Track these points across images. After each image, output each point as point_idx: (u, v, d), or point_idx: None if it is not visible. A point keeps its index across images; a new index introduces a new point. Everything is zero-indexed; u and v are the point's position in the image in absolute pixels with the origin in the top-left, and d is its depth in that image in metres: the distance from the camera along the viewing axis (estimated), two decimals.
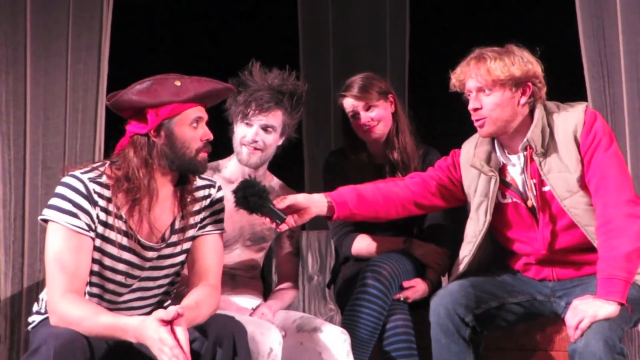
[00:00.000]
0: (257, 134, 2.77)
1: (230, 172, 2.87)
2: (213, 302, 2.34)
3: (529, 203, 2.58)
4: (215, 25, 4.45)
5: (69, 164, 3.16)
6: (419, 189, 2.73)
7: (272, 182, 2.95)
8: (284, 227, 2.53)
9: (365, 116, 2.95)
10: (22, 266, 3.15)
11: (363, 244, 2.98)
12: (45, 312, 2.34)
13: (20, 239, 3.15)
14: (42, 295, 2.42)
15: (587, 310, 2.32)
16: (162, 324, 2.09)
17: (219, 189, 2.51)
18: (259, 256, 2.94)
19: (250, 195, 2.47)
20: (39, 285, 3.13)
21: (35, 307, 2.43)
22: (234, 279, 2.86)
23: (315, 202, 2.63)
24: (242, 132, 2.79)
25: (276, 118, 2.77)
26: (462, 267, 2.67)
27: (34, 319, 2.39)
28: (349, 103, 2.98)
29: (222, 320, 2.30)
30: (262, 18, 4.54)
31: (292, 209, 2.57)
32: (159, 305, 2.46)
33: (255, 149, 2.78)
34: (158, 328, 2.08)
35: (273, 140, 2.80)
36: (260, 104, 2.74)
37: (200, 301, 2.29)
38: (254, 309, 2.76)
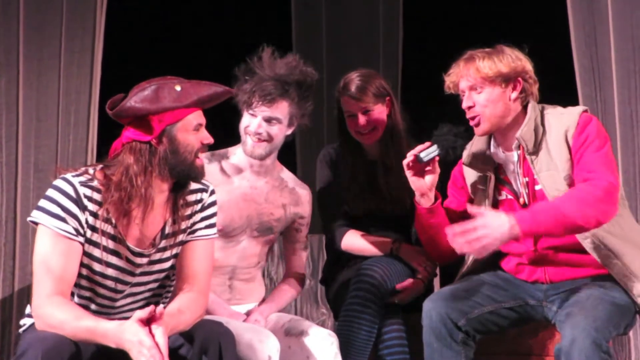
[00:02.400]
0: (260, 125, 2.69)
1: (238, 159, 2.81)
2: (198, 308, 2.31)
3: (521, 200, 2.60)
4: (209, 24, 4.44)
5: (61, 166, 3.13)
6: (456, 217, 2.74)
7: (282, 173, 2.89)
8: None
9: (361, 118, 2.94)
10: (13, 269, 3.14)
11: (353, 240, 2.97)
12: None
13: (12, 242, 3.14)
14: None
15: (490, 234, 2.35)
16: (141, 325, 2.07)
17: (212, 193, 2.47)
18: (264, 251, 2.88)
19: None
20: (30, 288, 3.10)
21: (27, 310, 2.40)
22: (232, 283, 2.82)
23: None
24: (247, 122, 2.72)
25: (281, 109, 2.69)
26: (467, 265, 2.71)
27: (25, 322, 2.37)
28: (345, 102, 2.96)
29: (209, 326, 2.28)
30: (255, 17, 4.53)
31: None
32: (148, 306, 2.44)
33: (260, 140, 2.71)
34: (137, 330, 2.06)
35: (279, 131, 2.71)
36: (263, 96, 2.65)
37: (184, 307, 2.26)
38: (248, 314, 2.75)
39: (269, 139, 2.71)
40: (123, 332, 2.07)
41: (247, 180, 2.81)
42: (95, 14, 3.24)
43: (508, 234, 2.35)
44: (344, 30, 4.66)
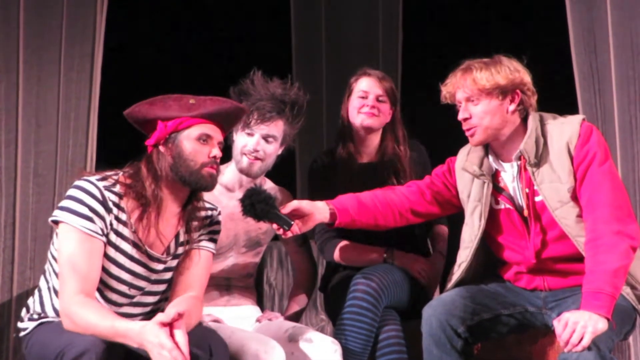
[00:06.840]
0: (258, 143, 2.77)
1: (227, 179, 2.86)
2: (199, 313, 2.38)
3: (525, 212, 2.59)
4: (209, 28, 4.46)
5: (61, 172, 3.17)
6: (415, 197, 2.75)
7: (265, 185, 2.94)
8: (291, 232, 2.55)
9: (373, 99, 2.98)
10: (11, 274, 3.14)
11: (345, 252, 2.97)
12: (39, 319, 2.36)
13: (11, 247, 3.14)
14: (30, 301, 2.43)
15: (587, 327, 2.30)
16: (161, 327, 2.12)
17: (219, 213, 2.57)
18: (254, 262, 2.93)
19: (257, 203, 2.50)
20: (29, 294, 3.11)
21: (23, 313, 2.43)
22: (230, 288, 2.86)
23: (319, 209, 2.65)
24: (243, 142, 2.79)
25: (277, 128, 2.77)
26: (459, 273, 2.67)
27: (27, 325, 2.39)
28: (365, 83, 3.00)
29: (200, 332, 2.31)
30: (254, 26, 4.55)
31: (296, 215, 2.60)
32: (153, 315, 2.46)
33: (256, 158, 2.78)
34: (158, 332, 2.11)
35: (273, 150, 2.80)
36: (263, 114, 2.74)
37: (191, 310, 2.30)
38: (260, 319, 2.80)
39: (264, 157, 2.78)
40: (144, 333, 2.12)
41: (236, 199, 2.83)
42: (95, 20, 3.24)
43: (601, 321, 2.31)
44: (343, 34, 4.67)
